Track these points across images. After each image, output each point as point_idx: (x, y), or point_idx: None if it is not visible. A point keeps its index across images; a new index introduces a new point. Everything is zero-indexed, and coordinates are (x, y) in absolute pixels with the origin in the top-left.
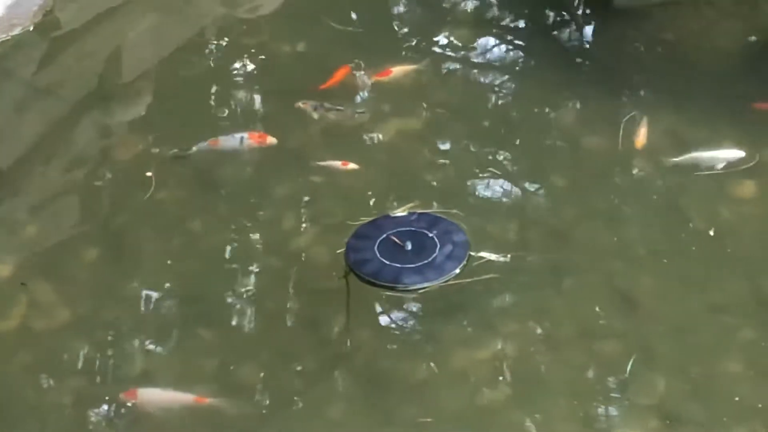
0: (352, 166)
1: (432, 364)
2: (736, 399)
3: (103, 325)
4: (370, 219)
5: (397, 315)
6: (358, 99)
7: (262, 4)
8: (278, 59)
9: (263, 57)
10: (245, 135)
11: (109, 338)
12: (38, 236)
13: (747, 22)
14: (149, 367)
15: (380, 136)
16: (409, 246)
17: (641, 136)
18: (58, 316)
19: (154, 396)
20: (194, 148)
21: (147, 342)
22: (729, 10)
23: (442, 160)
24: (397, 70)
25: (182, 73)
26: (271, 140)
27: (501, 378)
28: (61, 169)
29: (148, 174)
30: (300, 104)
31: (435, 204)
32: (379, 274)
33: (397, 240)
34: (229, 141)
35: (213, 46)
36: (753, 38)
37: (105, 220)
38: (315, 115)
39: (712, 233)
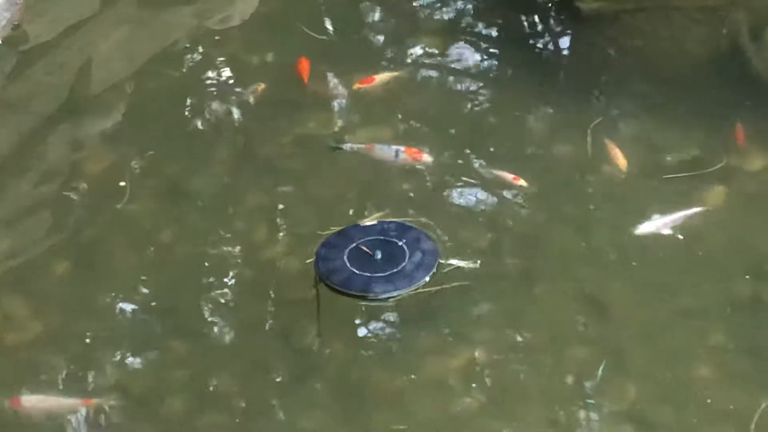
0: (522, 182)
1: (405, 373)
2: (707, 402)
3: (75, 337)
4: (340, 228)
5: (368, 324)
6: (335, 107)
7: (232, 15)
8: (248, 69)
9: (234, 68)
10: (401, 149)
11: (82, 351)
12: (10, 250)
13: (714, 29)
14: (122, 379)
15: (354, 144)
16: (378, 255)
17: (620, 157)
18: (30, 329)
19: (38, 402)
20: (348, 144)
21: (119, 354)
22: (696, 16)
23: (419, 165)
24: (380, 77)
25: (153, 85)
26: (427, 158)
27: (474, 385)
28: (33, 183)
29: (122, 183)
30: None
31: (407, 212)
32: (348, 284)
33: (366, 249)
34: (384, 151)
35: (184, 58)
36: (722, 43)
37: (76, 233)
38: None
39: (681, 237)
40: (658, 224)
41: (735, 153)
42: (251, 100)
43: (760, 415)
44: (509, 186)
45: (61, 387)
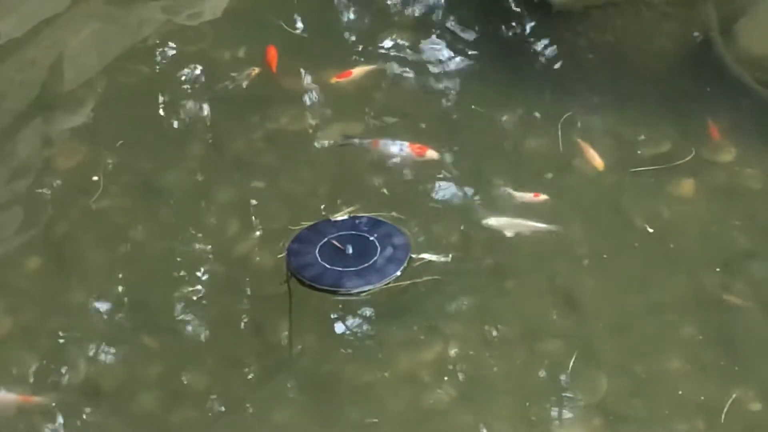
0: (543, 197)
1: (377, 367)
2: (678, 394)
3: (46, 333)
4: (312, 223)
5: (340, 318)
6: (307, 102)
7: (203, 10)
8: (219, 65)
9: (205, 63)
10: (405, 144)
11: (53, 347)
12: None
13: (684, 23)
14: (93, 375)
15: (324, 140)
16: (349, 250)
17: (596, 157)
18: (1, 325)
19: None
20: (356, 140)
21: (91, 350)
22: (666, 11)
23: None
24: (357, 71)
25: (124, 81)
26: (432, 154)
27: (446, 379)
28: (4, 179)
29: (95, 178)
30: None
31: (379, 207)
32: (320, 279)
33: (337, 244)
34: (389, 146)
35: (155, 54)
36: (692, 37)
37: (48, 229)
38: None
39: (650, 230)
40: (502, 222)
41: (705, 146)
42: (245, 84)
43: (730, 406)
44: (529, 203)
45: (31, 382)
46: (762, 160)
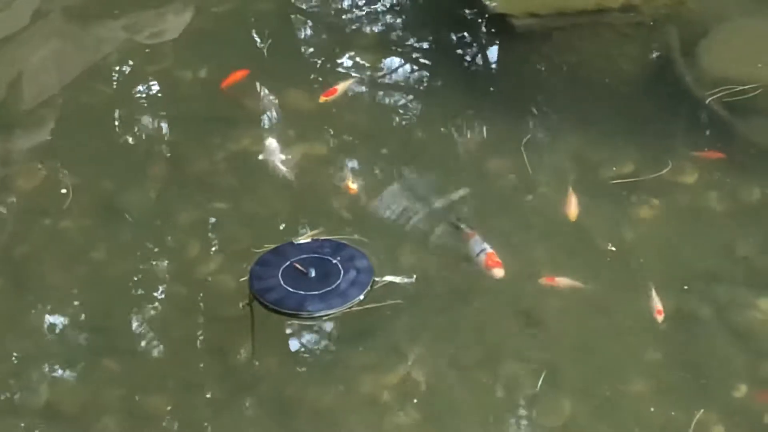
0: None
1: (339, 390)
2: (642, 416)
3: (6, 356)
4: (275, 246)
5: (303, 342)
6: (265, 122)
7: (165, 29)
8: (181, 85)
9: (166, 83)
10: (487, 250)
11: (13, 369)
12: None
13: (645, 44)
14: (54, 398)
15: (289, 161)
16: (312, 273)
17: (572, 206)
18: None
19: None
20: (463, 225)
21: (52, 373)
22: (628, 32)
23: (349, 183)
24: (341, 87)
25: (85, 100)
26: (498, 273)
27: (409, 402)
28: None
29: (63, 190)
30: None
31: (339, 229)
32: (282, 302)
33: (300, 267)
34: (476, 243)
35: (116, 73)
36: (654, 58)
37: (8, 250)
38: None
39: (614, 249)
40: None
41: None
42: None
43: (695, 426)
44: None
45: None
46: (724, 182)
